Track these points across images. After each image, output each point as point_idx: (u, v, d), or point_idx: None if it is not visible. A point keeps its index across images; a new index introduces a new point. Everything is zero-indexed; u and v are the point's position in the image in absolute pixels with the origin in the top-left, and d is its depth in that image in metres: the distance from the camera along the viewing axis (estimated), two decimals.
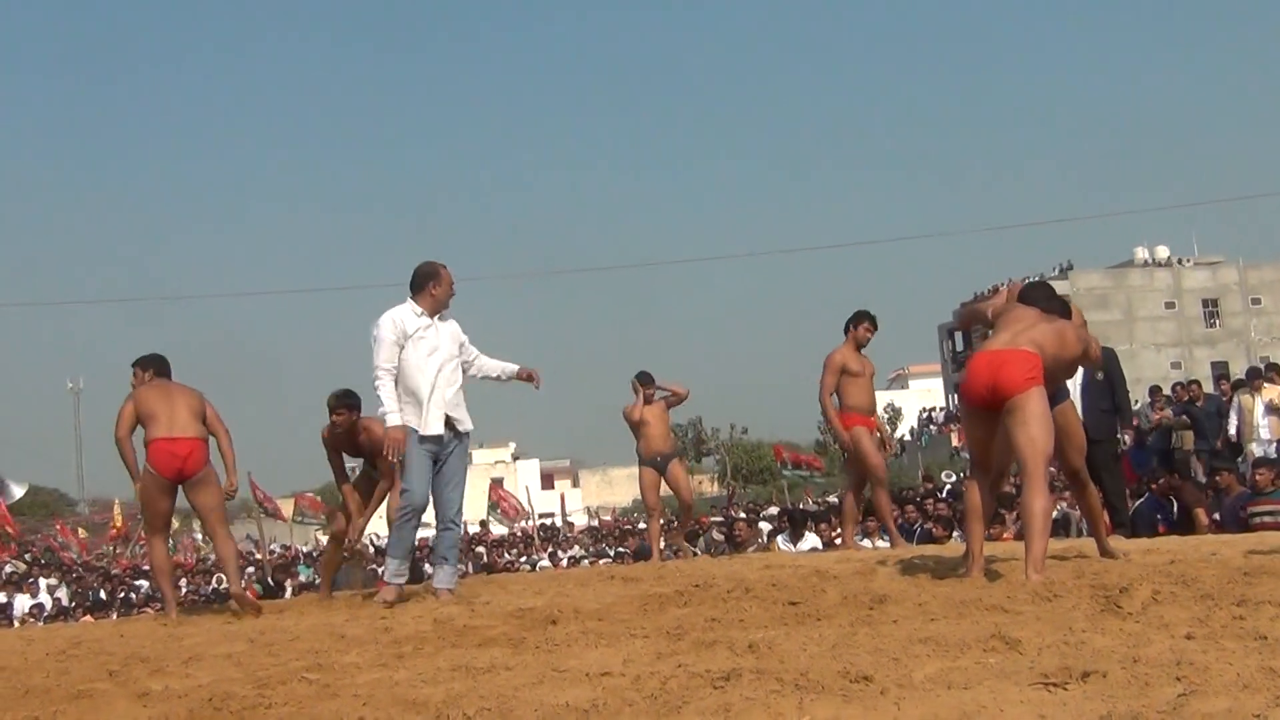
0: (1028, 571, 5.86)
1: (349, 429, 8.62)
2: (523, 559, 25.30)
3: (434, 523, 7.67)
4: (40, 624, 16.01)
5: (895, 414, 71.19)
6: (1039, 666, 3.62)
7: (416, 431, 7.38)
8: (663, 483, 11.52)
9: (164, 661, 5.26)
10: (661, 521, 12.01)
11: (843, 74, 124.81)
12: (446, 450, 7.55)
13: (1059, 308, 6.75)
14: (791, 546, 12.46)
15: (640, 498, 12.10)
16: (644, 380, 11.50)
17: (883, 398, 75.12)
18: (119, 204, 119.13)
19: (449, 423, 7.53)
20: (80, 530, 46.20)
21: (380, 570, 13.86)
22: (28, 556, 31.89)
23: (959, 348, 68.14)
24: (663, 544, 11.41)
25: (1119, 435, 9.89)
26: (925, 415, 63.97)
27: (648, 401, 11.45)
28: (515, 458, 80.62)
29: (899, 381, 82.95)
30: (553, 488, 68.69)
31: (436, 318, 7.66)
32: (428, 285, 7.67)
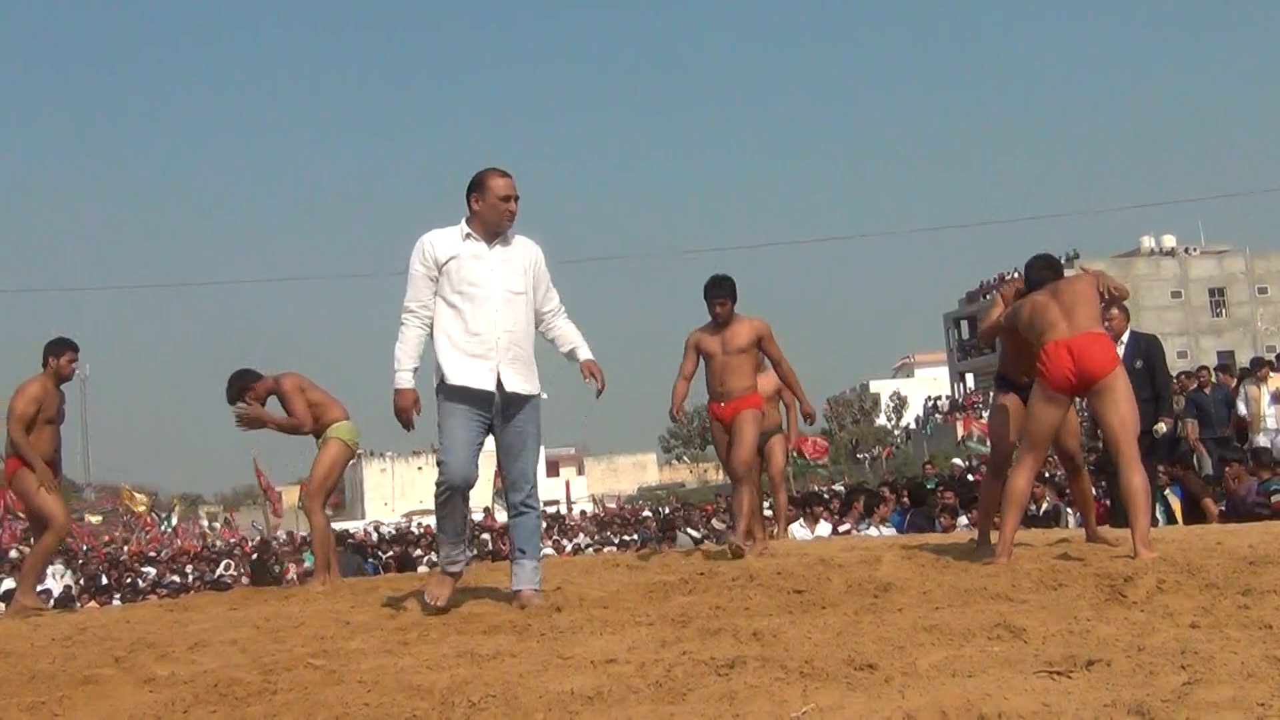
0: (1137, 549, 5.97)
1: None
2: None
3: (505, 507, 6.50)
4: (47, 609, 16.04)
5: (901, 402, 71.27)
6: (1044, 655, 3.62)
7: (451, 385, 5.97)
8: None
9: (170, 647, 5.27)
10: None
11: (850, 66, 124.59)
12: (502, 414, 6.07)
13: (1060, 274, 7.09)
14: (808, 533, 12.46)
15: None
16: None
17: (888, 386, 75.62)
18: (128, 190, 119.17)
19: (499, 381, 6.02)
20: (88, 516, 46.41)
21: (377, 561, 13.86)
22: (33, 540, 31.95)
23: (964, 336, 68.13)
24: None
25: (1156, 425, 9.77)
26: (930, 404, 63.97)
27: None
28: None
29: (904, 370, 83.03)
30: (558, 475, 68.81)
31: (497, 243, 6.10)
32: (470, 199, 6.12)
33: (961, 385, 66.84)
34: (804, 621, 4.60)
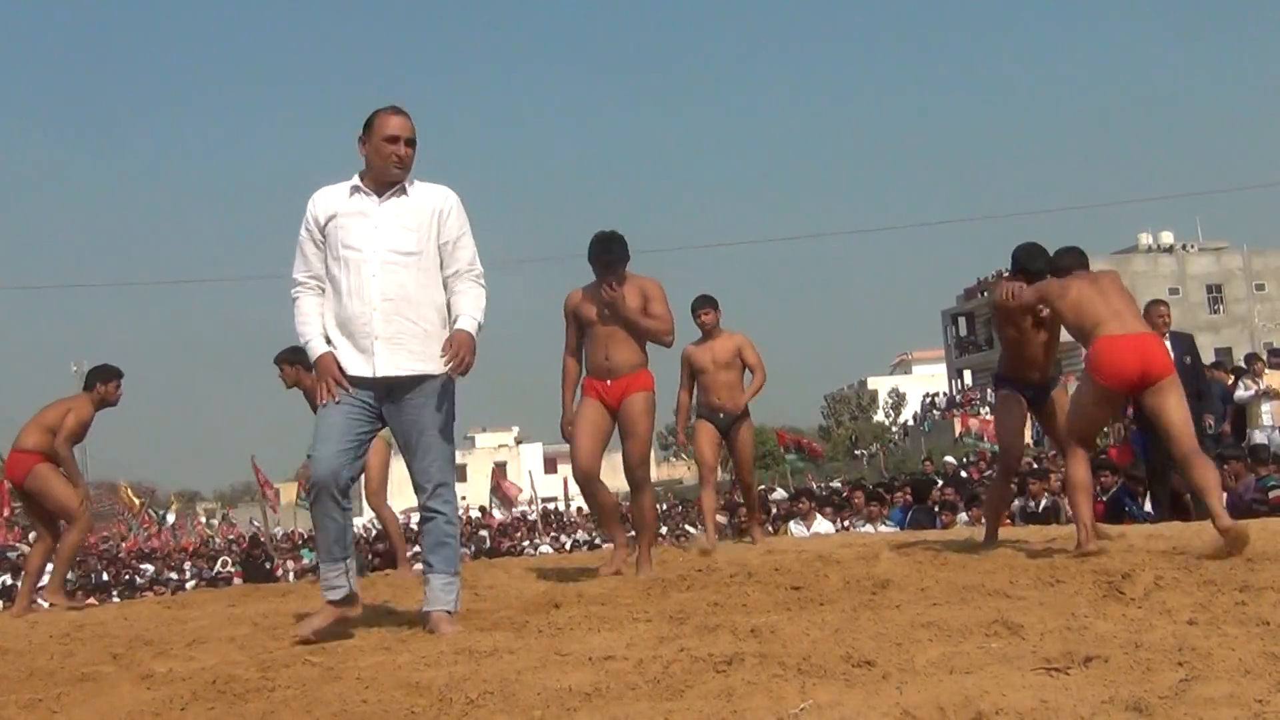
0: (1222, 525, 5.92)
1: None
2: (525, 543, 25.34)
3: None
4: (46, 605, 16.04)
5: (899, 399, 71.25)
6: (1041, 652, 3.62)
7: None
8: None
9: (168, 644, 5.27)
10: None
11: (847, 61, 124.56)
12: (390, 401, 5.15)
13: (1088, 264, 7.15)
14: (805, 530, 12.47)
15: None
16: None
17: (886, 382, 75.50)
18: (123, 186, 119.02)
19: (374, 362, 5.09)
20: None
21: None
22: (32, 536, 31.95)
23: (962, 333, 68.14)
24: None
25: (1202, 423, 9.76)
26: (929, 400, 63.95)
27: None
28: (519, 441, 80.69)
29: (902, 367, 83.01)
30: (556, 472, 68.71)
31: (391, 195, 5.18)
32: (359, 144, 5.24)
33: (959, 382, 66.84)
34: (802, 618, 4.60)
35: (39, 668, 4.77)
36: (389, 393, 5.11)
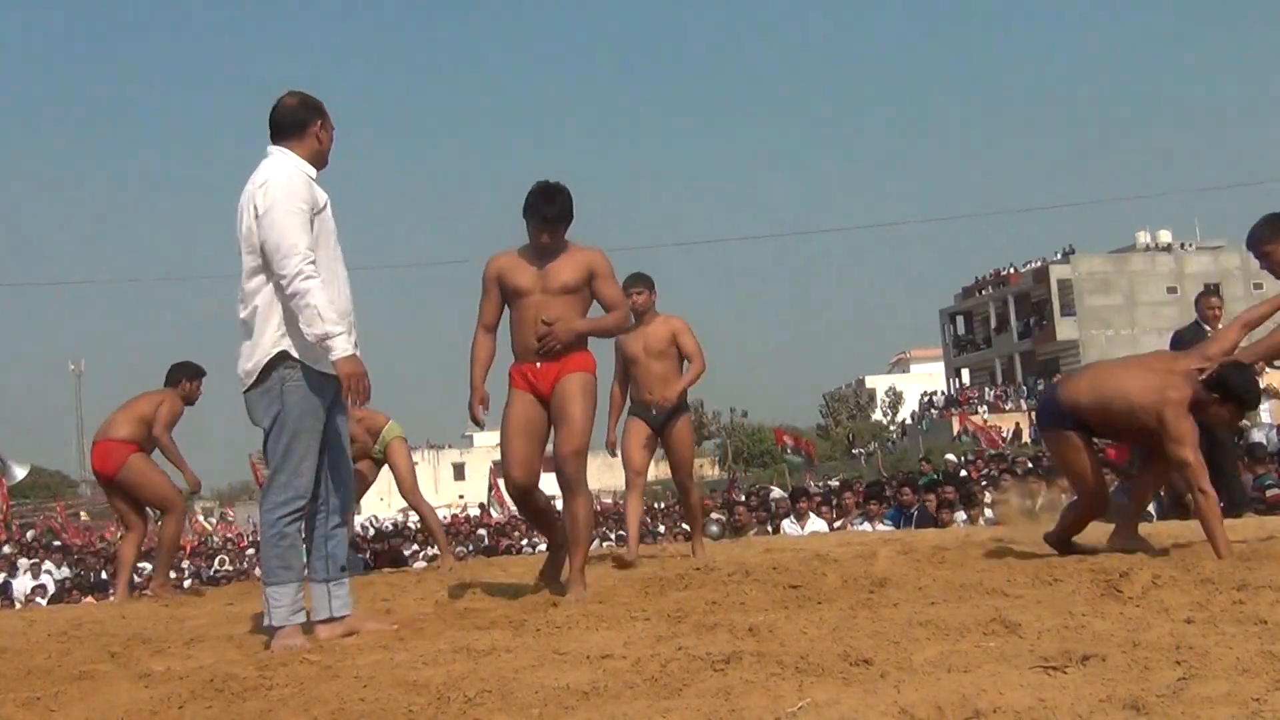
0: None
1: None
2: (524, 542, 25.32)
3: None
4: (43, 604, 16.06)
5: (897, 398, 71.31)
6: (1039, 650, 3.63)
7: (305, 367, 4.99)
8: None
9: (166, 643, 5.27)
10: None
11: (844, 59, 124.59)
12: (335, 402, 5.14)
13: None
14: (799, 529, 12.47)
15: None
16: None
17: (884, 381, 75.47)
18: (123, 183, 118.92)
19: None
20: (83, 514, 46.39)
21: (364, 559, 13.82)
22: (30, 534, 32.02)
23: (960, 332, 68.21)
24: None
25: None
26: (926, 399, 64.00)
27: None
28: None
29: (900, 365, 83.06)
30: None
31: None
32: (311, 125, 5.15)
33: (957, 381, 66.91)
34: (799, 617, 4.60)
35: (36, 666, 4.77)
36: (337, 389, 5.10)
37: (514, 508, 8.66)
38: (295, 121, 5.12)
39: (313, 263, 4.86)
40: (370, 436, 8.87)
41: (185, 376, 8.77)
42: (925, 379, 73.22)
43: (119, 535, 36.97)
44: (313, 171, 5.11)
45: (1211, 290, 10.57)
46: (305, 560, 5.12)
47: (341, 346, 4.84)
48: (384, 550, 15.19)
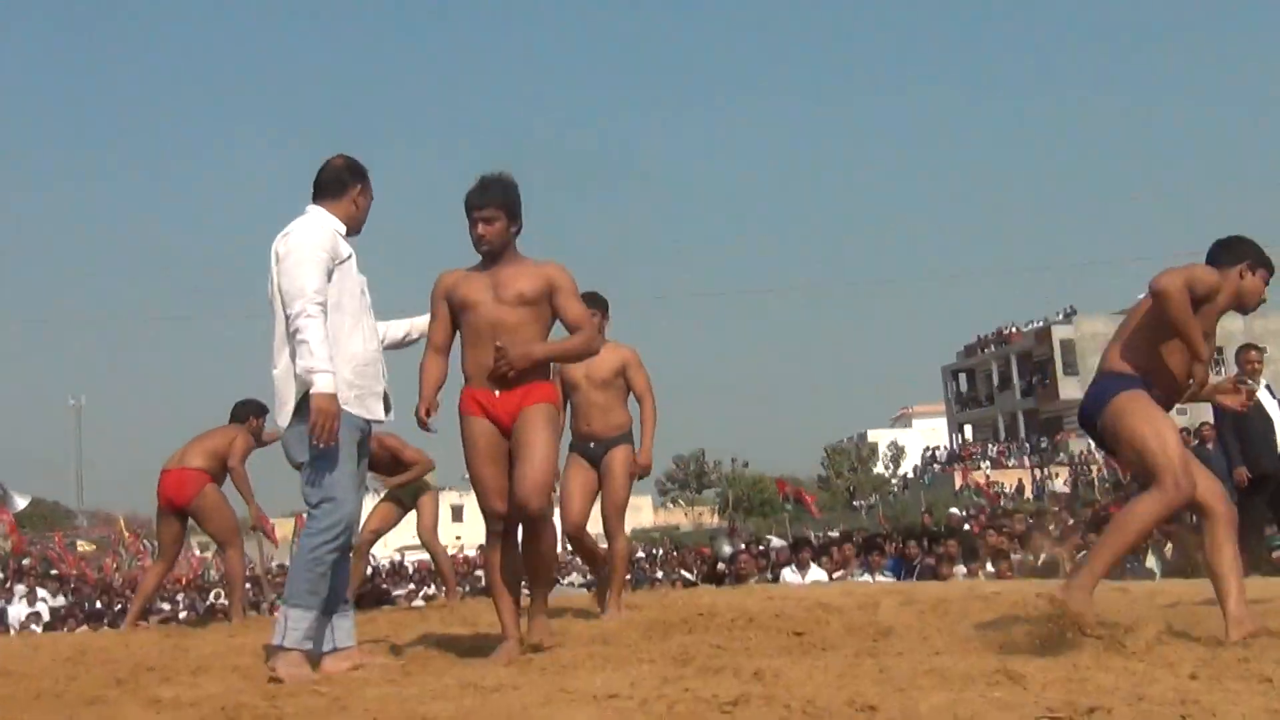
0: None
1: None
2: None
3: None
4: (39, 631, 16.06)
5: (899, 452, 71.29)
6: (1043, 701, 3.65)
7: (347, 413, 5.09)
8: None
9: (172, 671, 5.29)
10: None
11: (849, 111, 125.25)
12: (361, 445, 5.30)
13: None
14: (800, 578, 12.47)
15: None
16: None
17: (886, 435, 75.39)
18: (122, 217, 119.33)
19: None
20: (80, 544, 46.35)
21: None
22: (25, 562, 32.00)
23: (963, 389, 68.26)
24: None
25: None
26: (929, 454, 64.01)
27: None
28: None
29: (903, 421, 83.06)
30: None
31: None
32: (351, 189, 5.35)
33: (959, 436, 66.90)
34: (804, 662, 4.62)
35: (45, 690, 4.79)
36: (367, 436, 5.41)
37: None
38: (336, 181, 5.33)
39: (319, 304, 4.97)
40: (407, 472, 9.10)
41: (252, 413, 8.83)
42: (928, 434, 73.22)
43: (115, 568, 36.85)
44: (343, 229, 5.28)
45: (1252, 344, 10.58)
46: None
47: (321, 383, 4.91)
48: (370, 590, 15.15)
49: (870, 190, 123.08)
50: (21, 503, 32.15)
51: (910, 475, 64.56)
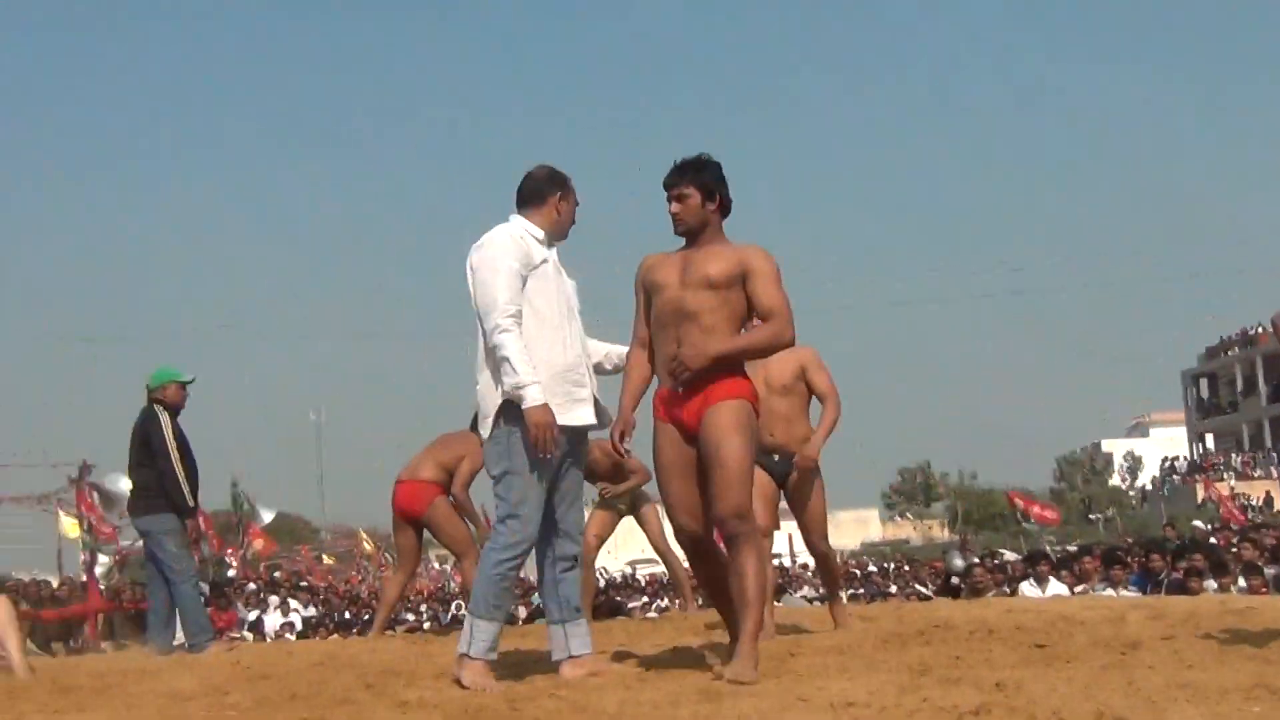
0: None
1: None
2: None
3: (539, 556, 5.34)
4: (292, 639, 16.77)
5: (1136, 462, 68.87)
6: None
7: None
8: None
9: (417, 676, 5.46)
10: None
11: (1073, 113, 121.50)
12: (570, 452, 5.23)
13: None
14: (1039, 592, 12.15)
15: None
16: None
17: (1121, 445, 72.82)
18: (364, 239, 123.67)
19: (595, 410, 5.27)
20: (325, 557, 48.23)
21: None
22: (276, 575, 33.48)
23: (1204, 395, 65.51)
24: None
25: None
26: (1168, 464, 61.62)
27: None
28: None
29: (1139, 429, 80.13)
30: (779, 529, 68.42)
31: (554, 252, 5.35)
32: (551, 197, 5.32)
33: (1200, 446, 64.23)
34: (1048, 674, 4.51)
35: (299, 692, 4.99)
36: (577, 444, 5.29)
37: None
38: (536, 191, 5.35)
39: (513, 316, 4.98)
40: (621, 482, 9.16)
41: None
42: (1166, 443, 70.48)
43: (360, 580, 38.15)
44: (541, 235, 5.28)
45: None
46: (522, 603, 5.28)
47: (531, 397, 4.91)
48: (604, 601, 15.37)
49: (1102, 186, 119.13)
50: (267, 516, 33.68)
51: (1148, 487, 62.25)
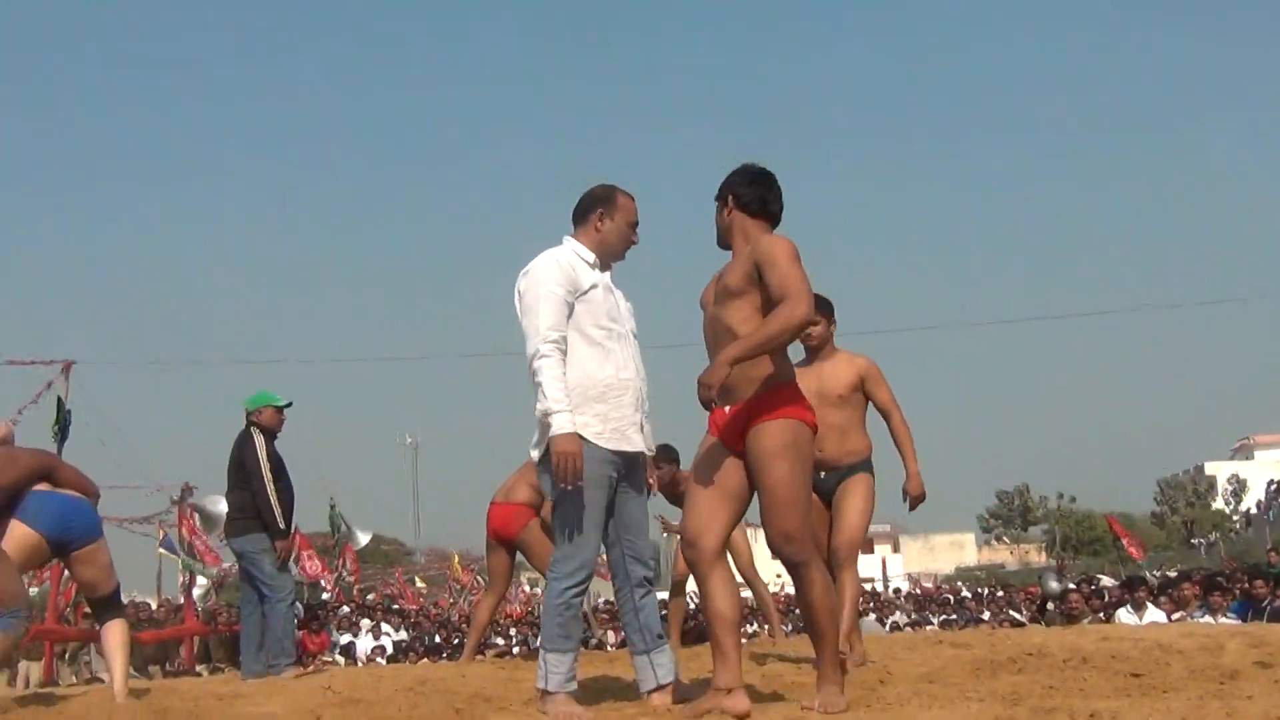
0: None
1: (670, 483, 8.91)
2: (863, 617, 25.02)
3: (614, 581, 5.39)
4: (383, 664, 16.91)
5: (1240, 485, 67.35)
6: None
7: (588, 443, 4.96)
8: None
9: (506, 701, 5.49)
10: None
11: (1183, 121, 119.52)
12: (627, 478, 5.18)
13: None
14: (1136, 619, 11.92)
15: None
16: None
17: (1225, 468, 71.48)
18: (452, 262, 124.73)
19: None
20: (418, 581, 48.63)
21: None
22: (370, 598, 33.80)
23: None
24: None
25: None
26: (1273, 488, 60.16)
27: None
28: None
29: (1244, 451, 78.44)
30: (873, 552, 67.92)
31: (607, 273, 5.31)
32: (592, 215, 5.27)
33: None
34: (1144, 704, 4.40)
35: (388, 717, 5.03)
36: (631, 469, 5.18)
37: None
38: (580, 211, 5.34)
39: (553, 343, 4.94)
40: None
41: None
42: (1271, 466, 68.85)
43: (450, 604, 38.37)
44: (591, 257, 5.23)
45: None
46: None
47: (559, 424, 4.86)
48: (692, 629, 15.32)
49: (1204, 200, 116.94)
50: (364, 539, 34.02)
51: (1253, 511, 60.79)
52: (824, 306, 6.33)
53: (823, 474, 6.34)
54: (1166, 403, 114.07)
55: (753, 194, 4.90)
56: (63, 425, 16.43)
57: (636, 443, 5.14)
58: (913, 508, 6.39)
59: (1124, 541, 31.84)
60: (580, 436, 4.92)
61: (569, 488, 4.89)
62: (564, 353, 4.98)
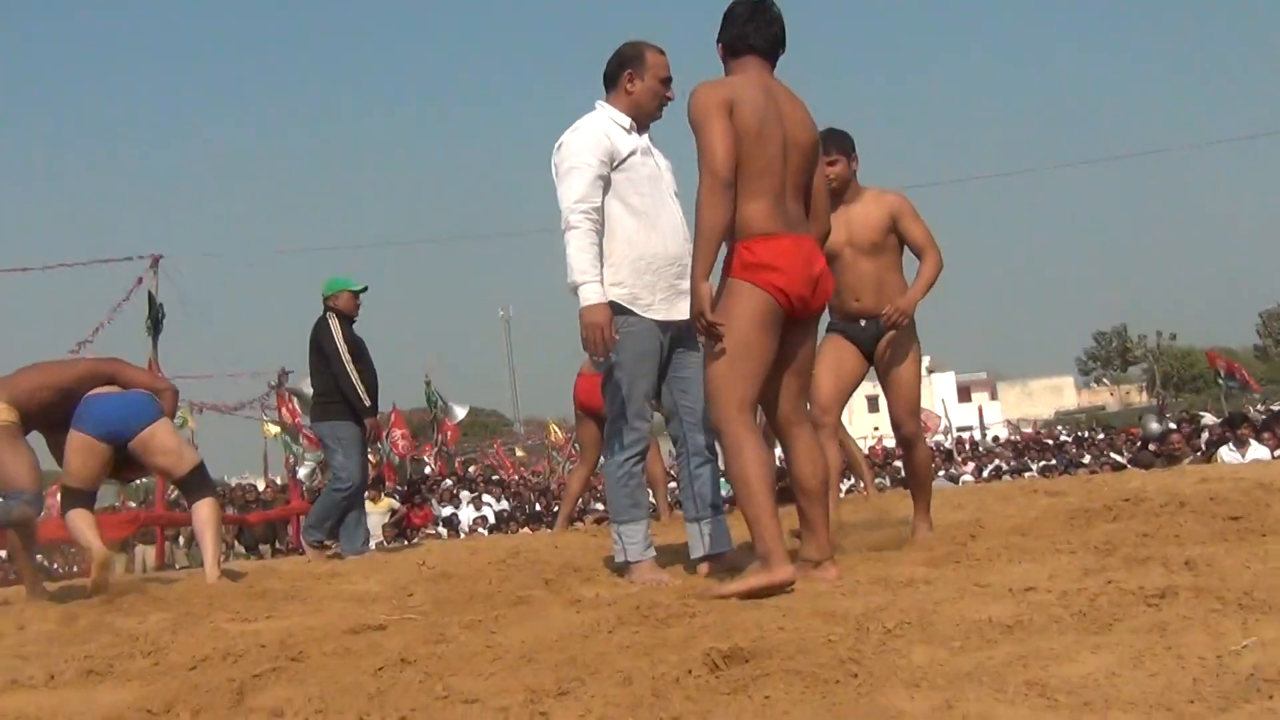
0: None
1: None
2: (941, 473, 25.00)
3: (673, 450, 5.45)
4: (485, 534, 17.22)
5: None
6: None
7: (634, 315, 4.99)
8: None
9: (595, 572, 5.51)
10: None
11: None
12: (682, 343, 5.19)
13: None
14: (1239, 457, 11.71)
15: None
16: None
17: None
18: (543, 138, 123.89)
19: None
20: (518, 450, 49.33)
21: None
22: (471, 470, 34.38)
23: None
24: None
25: None
26: None
27: None
28: (931, 370, 79.69)
29: None
30: (970, 400, 67.59)
31: (646, 135, 5.23)
32: (622, 76, 5.16)
33: None
34: (1241, 550, 4.30)
35: (478, 591, 5.07)
36: (681, 335, 5.16)
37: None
38: (609, 75, 5.21)
39: (584, 213, 4.87)
40: None
41: None
42: None
43: (548, 471, 38.97)
44: (626, 122, 5.12)
45: None
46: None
47: (585, 295, 4.81)
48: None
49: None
50: (460, 413, 34.51)
51: None
52: (842, 141, 5.90)
53: (862, 323, 5.95)
54: (1266, 232, 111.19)
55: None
56: (155, 320, 16.65)
57: (684, 310, 4.99)
58: (888, 325, 5.82)
59: (1237, 375, 31.00)
60: (621, 306, 4.93)
61: (599, 358, 4.94)
62: (595, 223, 4.91)
